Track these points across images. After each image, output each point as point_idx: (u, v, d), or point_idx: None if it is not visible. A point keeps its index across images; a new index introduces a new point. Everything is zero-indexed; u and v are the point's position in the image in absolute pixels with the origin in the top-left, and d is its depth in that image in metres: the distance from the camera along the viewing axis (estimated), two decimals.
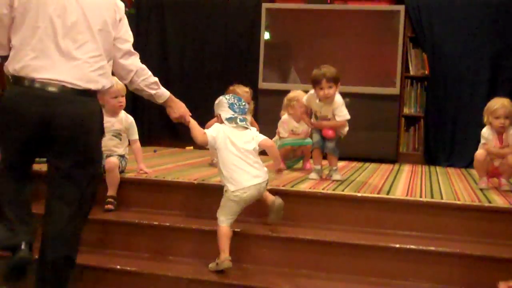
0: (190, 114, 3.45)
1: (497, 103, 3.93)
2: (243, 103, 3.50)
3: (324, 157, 4.20)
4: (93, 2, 2.81)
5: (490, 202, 3.49)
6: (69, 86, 2.69)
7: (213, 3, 6.35)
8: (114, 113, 3.92)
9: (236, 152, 3.28)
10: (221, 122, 3.42)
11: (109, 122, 3.91)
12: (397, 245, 3.26)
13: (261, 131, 5.13)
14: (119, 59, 3.02)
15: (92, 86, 2.78)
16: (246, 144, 3.33)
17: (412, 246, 3.24)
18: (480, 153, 3.99)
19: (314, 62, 5.76)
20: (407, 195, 3.63)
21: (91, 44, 2.78)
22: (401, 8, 5.73)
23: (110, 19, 2.89)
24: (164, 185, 3.83)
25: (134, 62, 3.09)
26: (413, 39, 5.91)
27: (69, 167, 2.77)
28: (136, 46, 6.47)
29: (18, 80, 2.70)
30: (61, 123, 2.68)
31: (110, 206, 3.69)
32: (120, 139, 3.95)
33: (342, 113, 3.98)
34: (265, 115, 5.54)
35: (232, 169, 3.25)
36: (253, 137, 3.40)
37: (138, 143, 4.04)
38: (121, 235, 3.60)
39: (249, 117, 4.43)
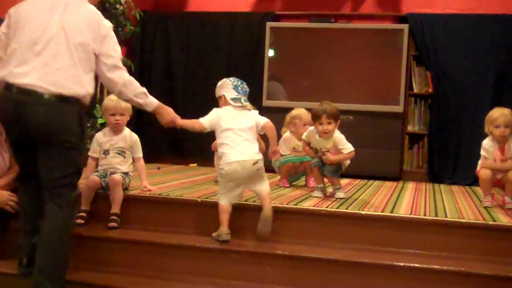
0: (180, 118, 3.66)
1: (497, 112, 3.96)
2: (245, 86, 3.78)
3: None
4: (74, 20, 3.11)
5: (494, 220, 3.48)
6: (41, 90, 3.00)
7: (218, 22, 6.40)
8: (114, 130, 3.94)
9: (229, 131, 3.57)
10: (225, 102, 3.69)
11: (113, 139, 3.93)
12: (402, 264, 3.24)
13: (266, 148, 5.18)
14: (106, 73, 3.22)
15: (64, 91, 3.03)
16: (242, 123, 3.59)
17: (417, 265, 3.23)
18: (484, 172, 3.98)
19: (318, 80, 5.84)
20: (411, 213, 3.62)
21: (66, 55, 3.06)
22: (405, 27, 5.77)
23: (92, 35, 3.13)
24: (168, 202, 3.82)
25: (120, 75, 3.26)
26: (417, 57, 5.94)
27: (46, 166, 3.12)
28: (141, 63, 6.60)
29: (3, 85, 3.07)
30: (34, 124, 3.02)
31: (113, 224, 3.69)
32: (124, 157, 3.96)
33: (347, 146, 4.03)
34: None
35: (223, 146, 3.55)
36: (254, 118, 3.68)
37: (142, 161, 4.05)
38: (125, 253, 3.59)
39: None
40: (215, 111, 3.70)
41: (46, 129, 3.03)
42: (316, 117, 4.03)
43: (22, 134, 3.09)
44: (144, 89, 3.38)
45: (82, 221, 3.71)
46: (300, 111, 4.64)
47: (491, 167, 3.97)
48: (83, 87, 3.12)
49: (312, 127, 4.15)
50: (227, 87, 3.73)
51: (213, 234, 3.57)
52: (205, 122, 3.66)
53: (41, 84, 3.00)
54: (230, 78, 3.76)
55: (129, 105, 3.82)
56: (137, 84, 3.35)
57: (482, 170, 3.99)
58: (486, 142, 4.03)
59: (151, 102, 3.43)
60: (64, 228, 3.14)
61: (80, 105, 3.14)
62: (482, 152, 4.06)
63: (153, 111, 3.49)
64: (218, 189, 3.58)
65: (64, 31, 3.08)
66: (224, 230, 3.47)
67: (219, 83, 3.80)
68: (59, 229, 3.12)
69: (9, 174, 3.69)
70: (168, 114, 3.58)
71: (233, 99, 3.66)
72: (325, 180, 4.22)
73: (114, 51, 3.25)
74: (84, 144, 3.36)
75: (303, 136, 4.25)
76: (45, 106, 3.01)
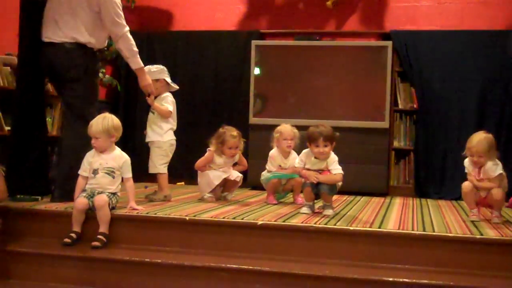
0: (154, 93, 4.51)
1: (475, 140, 4.00)
2: None
3: (317, 196, 4.18)
4: None
5: (482, 234, 3.49)
6: (52, 41, 4.17)
7: (203, 41, 6.44)
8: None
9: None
10: (165, 85, 4.64)
11: (103, 159, 3.91)
12: (390, 279, 3.24)
13: (252, 166, 5.21)
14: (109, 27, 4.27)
15: (68, 40, 4.16)
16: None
17: (406, 280, 3.23)
18: (465, 185, 4.03)
19: (304, 97, 5.88)
20: (399, 228, 3.63)
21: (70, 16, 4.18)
22: (389, 44, 5.83)
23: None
24: (155, 221, 3.80)
25: (122, 30, 4.25)
26: (401, 73, 6.01)
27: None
28: (127, 82, 6.59)
29: None
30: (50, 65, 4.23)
31: (97, 243, 3.63)
32: (113, 177, 3.93)
33: (338, 167, 4.06)
34: (255, 150, 5.56)
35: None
36: None
37: (131, 181, 4.03)
38: (112, 273, 3.55)
39: (237, 156, 4.51)
40: (172, 99, 4.66)
41: (56, 67, 4.25)
42: (312, 140, 4.05)
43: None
44: (137, 50, 4.31)
45: (69, 241, 3.67)
46: (282, 127, 4.70)
47: (472, 182, 4.02)
48: (88, 39, 4.22)
49: (307, 149, 4.16)
50: (165, 72, 4.65)
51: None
52: (171, 108, 4.58)
53: (54, 37, 4.22)
54: (161, 66, 4.64)
55: (100, 129, 3.86)
56: (133, 42, 4.29)
57: (464, 183, 4.05)
58: (466, 162, 4.12)
59: (137, 62, 4.34)
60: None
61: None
62: (465, 170, 4.13)
63: (135, 70, 4.37)
64: None
65: None
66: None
67: (156, 69, 4.59)
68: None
69: None
70: (147, 80, 4.42)
71: (172, 82, 4.64)
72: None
73: (115, 13, 4.22)
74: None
75: (297, 163, 4.23)
76: (55, 52, 4.21)
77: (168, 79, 4.66)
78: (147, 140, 4.67)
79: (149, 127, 4.65)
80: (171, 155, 4.67)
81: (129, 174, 4.01)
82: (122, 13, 4.28)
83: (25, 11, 4.46)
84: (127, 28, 4.30)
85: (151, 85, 4.45)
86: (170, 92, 4.71)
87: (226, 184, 4.71)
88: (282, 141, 4.65)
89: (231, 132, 4.57)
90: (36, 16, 4.34)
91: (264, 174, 4.75)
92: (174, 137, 4.66)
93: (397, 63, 5.99)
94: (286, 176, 4.65)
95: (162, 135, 4.60)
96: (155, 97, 4.57)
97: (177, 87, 4.75)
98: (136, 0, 6.42)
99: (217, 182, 4.57)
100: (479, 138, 3.98)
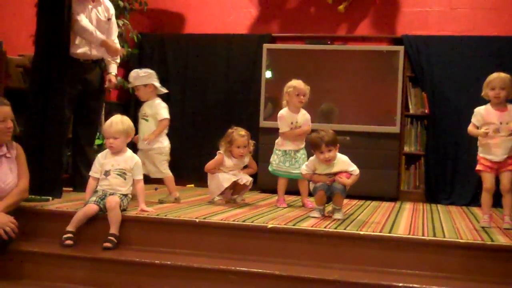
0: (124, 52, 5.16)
1: (494, 75, 4.02)
2: None
3: (328, 199, 4.18)
4: None
5: (492, 240, 3.47)
6: None
7: (215, 44, 6.45)
8: (111, 152, 3.99)
9: None
10: (153, 90, 4.63)
11: (115, 161, 3.94)
12: (400, 284, 3.22)
13: (262, 169, 5.21)
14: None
15: None
16: None
17: (415, 285, 3.21)
18: (484, 195, 4.02)
19: (315, 101, 5.86)
20: (409, 233, 3.62)
21: None
22: (400, 48, 5.82)
23: None
24: (166, 223, 3.82)
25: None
26: (413, 78, 5.99)
27: None
28: None
29: None
30: None
31: (108, 244, 3.65)
32: (125, 178, 3.96)
33: (355, 168, 4.09)
34: (266, 154, 5.54)
35: None
36: None
37: (142, 183, 4.06)
38: (122, 274, 3.57)
39: (247, 158, 4.51)
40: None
41: None
42: (315, 147, 4.05)
43: None
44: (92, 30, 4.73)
45: (72, 242, 3.69)
46: (295, 82, 4.64)
47: (476, 134, 4.07)
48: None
49: (313, 156, 4.16)
50: (154, 76, 4.63)
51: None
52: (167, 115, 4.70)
53: None
54: (149, 70, 4.63)
55: (121, 129, 3.93)
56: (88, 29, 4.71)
57: (482, 194, 4.01)
58: (480, 109, 4.11)
59: (97, 38, 4.72)
60: None
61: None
62: (473, 119, 4.14)
63: (100, 45, 4.76)
64: None
65: None
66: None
67: (144, 74, 4.58)
68: None
69: (11, 195, 3.71)
70: (112, 46, 4.83)
71: (161, 87, 4.64)
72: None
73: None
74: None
75: (304, 169, 4.21)
76: None
77: (157, 84, 4.64)
78: (145, 147, 4.60)
79: (145, 134, 4.59)
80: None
81: (140, 176, 4.03)
82: None
83: (42, 11, 4.51)
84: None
85: (119, 51, 4.92)
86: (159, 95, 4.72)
87: (236, 188, 4.72)
88: (295, 97, 4.59)
89: (239, 132, 4.60)
90: (53, 17, 4.41)
91: (273, 163, 4.71)
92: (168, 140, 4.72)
93: (409, 68, 5.97)
94: (293, 176, 4.63)
95: (162, 141, 4.63)
96: (144, 102, 4.61)
97: (166, 91, 4.75)
98: (149, 3, 6.45)
99: (226, 185, 4.58)
100: (498, 74, 4.02)
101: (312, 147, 4.10)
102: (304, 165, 4.24)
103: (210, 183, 4.72)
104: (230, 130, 4.65)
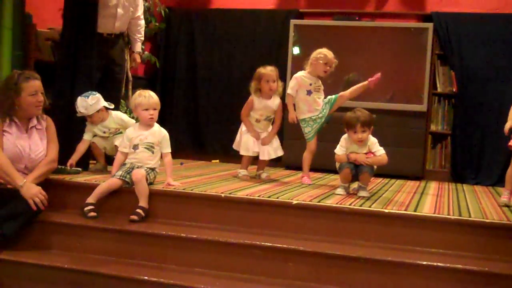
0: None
1: None
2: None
3: (355, 178, 4.18)
4: None
5: None
6: None
7: (241, 19, 6.43)
8: (146, 125, 4.01)
9: None
10: (106, 110, 4.45)
11: (142, 135, 3.99)
12: (424, 262, 3.23)
13: (287, 146, 5.22)
14: None
15: None
16: None
17: (440, 264, 3.22)
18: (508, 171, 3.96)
19: (343, 78, 5.83)
20: (434, 212, 3.61)
21: None
22: (429, 25, 5.74)
23: None
24: (192, 197, 3.86)
25: None
26: (441, 56, 5.91)
27: None
28: (165, 59, 6.68)
29: None
30: None
31: (134, 217, 3.70)
32: (153, 152, 4.01)
33: (380, 148, 4.08)
34: (291, 130, 5.54)
35: None
36: None
37: (170, 157, 4.10)
38: (149, 246, 3.63)
39: (276, 100, 4.72)
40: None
41: None
42: (350, 126, 4.04)
43: None
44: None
45: (95, 214, 3.75)
46: (326, 51, 4.58)
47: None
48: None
49: (345, 135, 4.14)
50: (100, 98, 4.39)
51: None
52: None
53: None
54: (93, 93, 4.38)
55: (158, 100, 4.03)
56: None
57: (509, 169, 3.96)
58: None
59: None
60: None
61: None
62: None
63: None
64: None
65: None
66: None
67: (92, 101, 4.32)
68: None
69: (40, 166, 3.79)
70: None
71: (109, 104, 4.46)
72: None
73: None
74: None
75: (338, 149, 4.16)
76: None
77: (105, 104, 4.43)
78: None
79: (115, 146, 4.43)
80: None
81: (168, 149, 4.08)
82: None
83: None
84: None
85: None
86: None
87: (259, 164, 4.80)
88: (322, 65, 4.55)
89: (266, 67, 4.70)
90: None
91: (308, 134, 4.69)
92: None
93: (437, 45, 5.89)
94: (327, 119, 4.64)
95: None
96: (98, 124, 4.46)
97: (113, 106, 4.52)
98: None
99: (245, 153, 4.71)
100: None
101: (346, 126, 4.08)
102: (337, 147, 4.21)
103: (238, 139, 4.81)
104: (257, 69, 4.74)
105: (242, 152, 4.75)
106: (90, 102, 4.35)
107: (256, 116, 4.74)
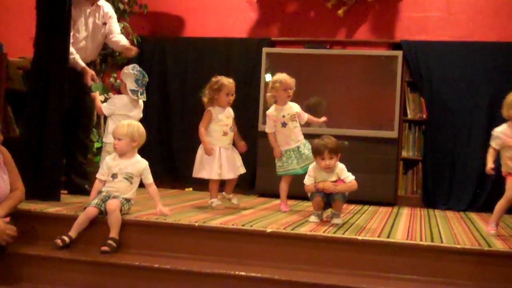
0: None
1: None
2: (146, 79, 4.60)
3: (327, 205, 4.19)
4: None
5: (490, 246, 3.50)
6: None
7: (214, 47, 6.46)
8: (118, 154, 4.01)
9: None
10: (124, 89, 4.51)
11: (122, 164, 3.96)
12: None
13: (260, 173, 5.21)
14: None
15: None
16: (132, 112, 4.50)
17: None
18: (500, 202, 3.98)
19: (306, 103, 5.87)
20: (407, 238, 3.64)
21: None
22: (399, 53, 5.84)
23: None
24: (165, 227, 3.82)
25: None
26: (411, 83, 6.01)
27: None
28: None
29: None
30: None
31: (106, 248, 3.64)
32: (131, 183, 3.98)
33: (349, 174, 4.10)
34: (264, 158, 5.57)
35: None
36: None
37: (154, 186, 4.09)
38: (121, 278, 3.58)
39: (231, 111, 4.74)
40: (116, 101, 4.57)
41: None
42: (317, 152, 4.08)
43: None
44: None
45: (60, 243, 3.67)
46: (281, 77, 4.63)
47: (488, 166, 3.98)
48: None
49: (314, 163, 4.19)
50: (131, 77, 4.51)
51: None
52: (107, 110, 4.55)
53: None
54: (134, 71, 4.52)
55: (125, 131, 3.96)
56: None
57: (502, 201, 3.95)
58: (500, 129, 4.00)
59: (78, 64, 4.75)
60: None
61: None
62: (491, 142, 4.03)
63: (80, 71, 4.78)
64: None
65: None
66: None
67: (125, 70, 4.55)
68: None
69: (9, 199, 3.70)
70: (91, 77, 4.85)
71: (132, 91, 4.49)
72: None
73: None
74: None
75: (307, 180, 4.20)
76: None
77: (130, 86, 4.54)
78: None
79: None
80: None
81: (150, 180, 4.08)
82: None
83: (41, 14, 4.52)
84: None
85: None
86: None
87: (227, 186, 4.77)
88: (282, 92, 4.60)
89: (227, 79, 4.63)
90: (53, 19, 4.43)
91: (280, 167, 4.69)
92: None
93: (407, 73, 5.99)
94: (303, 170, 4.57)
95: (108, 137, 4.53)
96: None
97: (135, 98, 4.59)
98: (149, 6, 6.47)
99: (209, 175, 4.60)
100: None
101: (314, 152, 4.12)
102: (306, 177, 4.24)
103: (196, 164, 4.68)
104: (215, 79, 4.66)
105: (205, 175, 4.60)
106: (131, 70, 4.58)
107: (222, 129, 4.63)
